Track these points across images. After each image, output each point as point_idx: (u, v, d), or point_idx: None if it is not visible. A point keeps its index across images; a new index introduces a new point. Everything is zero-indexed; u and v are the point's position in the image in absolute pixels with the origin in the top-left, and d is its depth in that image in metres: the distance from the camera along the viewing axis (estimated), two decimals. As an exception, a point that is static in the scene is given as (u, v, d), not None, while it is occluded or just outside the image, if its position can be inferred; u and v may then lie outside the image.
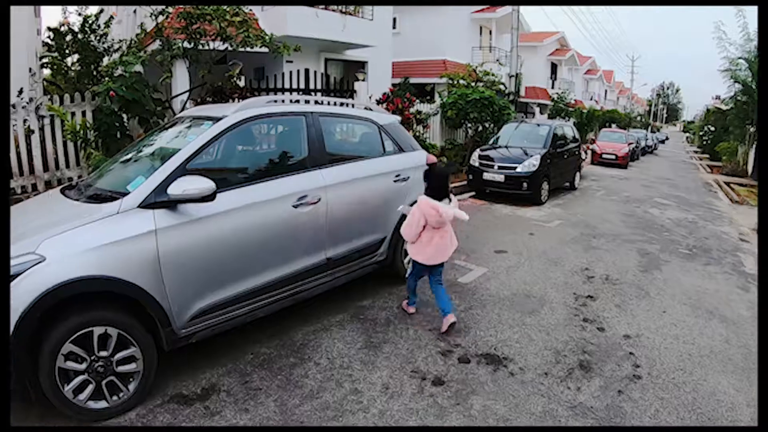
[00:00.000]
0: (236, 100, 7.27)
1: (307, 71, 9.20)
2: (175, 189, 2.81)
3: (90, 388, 2.62)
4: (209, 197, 2.88)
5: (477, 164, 9.69)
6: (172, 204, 2.86)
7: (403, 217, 3.91)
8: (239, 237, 3.15)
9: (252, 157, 3.91)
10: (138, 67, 6.54)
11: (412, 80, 15.11)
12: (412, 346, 3.55)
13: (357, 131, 4.88)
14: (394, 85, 13.53)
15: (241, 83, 7.75)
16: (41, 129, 6.32)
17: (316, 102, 4.36)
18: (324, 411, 2.80)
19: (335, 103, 4.42)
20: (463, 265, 5.32)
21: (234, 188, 3.24)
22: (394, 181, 4.38)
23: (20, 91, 6.81)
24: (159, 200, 2.83)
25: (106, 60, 9.13)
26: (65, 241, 2.57)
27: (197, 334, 3.02)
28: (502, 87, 14.76)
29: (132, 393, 2.76)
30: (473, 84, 13.34)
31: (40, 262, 2.44)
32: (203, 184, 2.85)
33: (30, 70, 8.67)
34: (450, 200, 3.77)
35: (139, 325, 2.73)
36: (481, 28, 21.43)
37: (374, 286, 4.57)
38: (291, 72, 9.05)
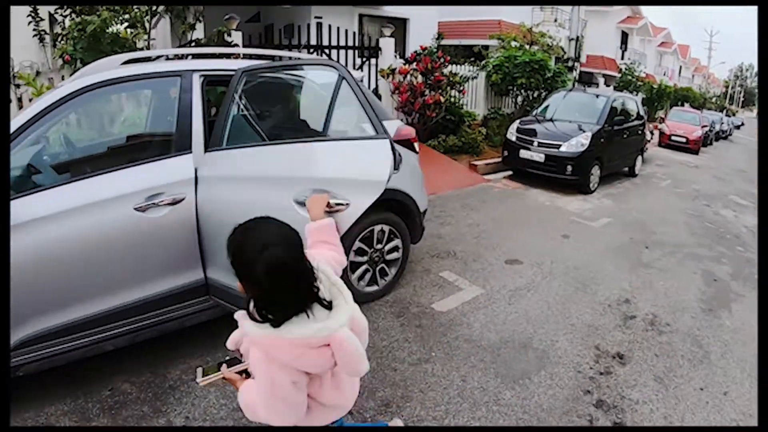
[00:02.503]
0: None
1: (329, 27, 7.82)
2: None
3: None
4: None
5: (514, 138, 7.83)
6: None
7: None
8: (61, 251, 2.17)
9: (93, 141, 2.94)
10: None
11: (463, 42, 13.17)
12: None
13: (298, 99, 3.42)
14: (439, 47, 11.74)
15: (233, 40, 6.38)
16: (19, 99, 5.46)
17: (218, 56, 2.97)
18: None
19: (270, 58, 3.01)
20: (451, 281, 3.83)
21: (57, 186, 2.24)
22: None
23: None
24: None
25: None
26: None
27: (24, 366, 2.23)
28: (560, 51, 12.48)
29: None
30: (527, 46, 11.24)
31: None
32: None
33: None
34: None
35: None
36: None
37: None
38: (319, 25, 7.68)
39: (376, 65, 8.56)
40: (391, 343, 2.96)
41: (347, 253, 3.14)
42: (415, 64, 8.17)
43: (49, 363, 2.32)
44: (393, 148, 2.19)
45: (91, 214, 2.21)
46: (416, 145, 3.61)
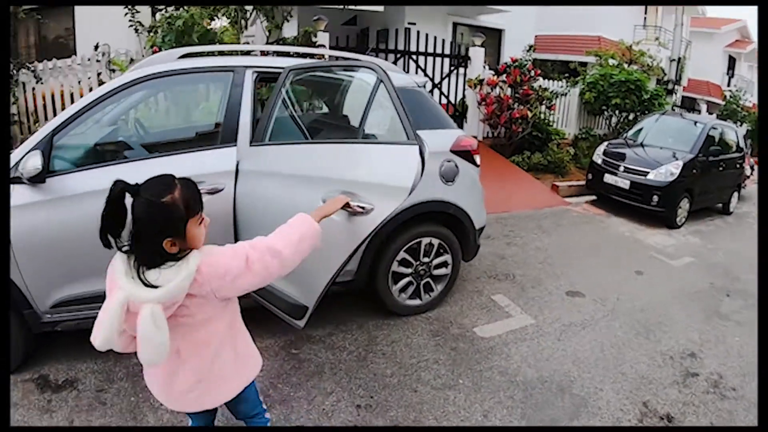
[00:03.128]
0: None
1: (418, 34, 7.81)
2: (22, 165, 2.28)
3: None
4: (35, 178, 2.28)
5: (600, 161, 7.30)
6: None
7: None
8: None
9: (147, 128, 3.12)
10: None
11: (559, 57, 12.57)
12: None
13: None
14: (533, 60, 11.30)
15: (319, 41, 6.52)
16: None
17: (276, 54, 3.04)
18: None
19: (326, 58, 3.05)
20: (502, 306, 3.61)
21: (101, 167, 2.46)
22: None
23: (96, 46, 6.45)
24: (15, 176, 2.31)
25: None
26: None
27: (60, 323, 2.56)
28: (660, 72, 11.47)
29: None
30: (625, 65, 10.46)
31: None
32: (30, 164, 2.25)
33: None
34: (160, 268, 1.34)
35: None
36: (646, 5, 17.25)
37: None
38: (407, 30, 7.75)
39: (464, 75, 8.39)
40: (420, 362, 2.85)
41: (390, 263, 3.07)
42: (504, 76, 7.89)
43: (81, 324, 2.58)
44: (422, 156, 2.06)
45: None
46: (477, 157, 3.45)
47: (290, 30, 6.41)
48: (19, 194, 2.33)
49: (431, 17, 10.14)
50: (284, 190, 2.33)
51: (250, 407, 1.74)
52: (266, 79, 2.90)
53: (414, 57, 8.00)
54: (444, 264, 3.39)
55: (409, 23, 9.02)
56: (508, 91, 7.88)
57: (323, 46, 6.78)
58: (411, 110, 2.93)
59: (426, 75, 8.07)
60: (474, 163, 3.39)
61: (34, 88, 5.84)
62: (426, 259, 3.30)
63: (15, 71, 5.46)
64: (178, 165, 2.41)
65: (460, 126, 8.43)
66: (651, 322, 3.69)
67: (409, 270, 3.27)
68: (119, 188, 1.30)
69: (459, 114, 8.36)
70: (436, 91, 8.27)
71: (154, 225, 1.30)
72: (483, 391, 2.63)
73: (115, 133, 2.94)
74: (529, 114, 7.74)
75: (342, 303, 3.37)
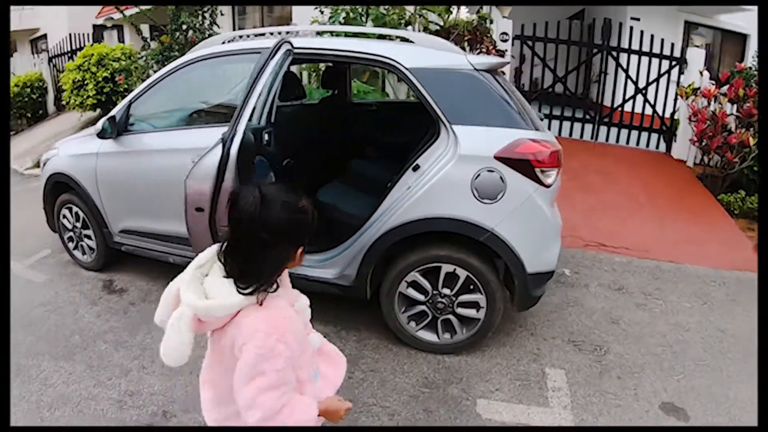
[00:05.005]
0: (483, 50, 5.44)
1: (631, 30, 6.27)
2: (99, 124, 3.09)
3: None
4: (103, 135, 3.05)
5: None
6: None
7: None
8: (148, 177, 2.98)
9: (185, 104, 3.44)
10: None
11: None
12: None
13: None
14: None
15: (501, 28, 5.71)
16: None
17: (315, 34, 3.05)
18: None
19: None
20: (546, 386, 2.53)
21: (154, 132, 3.12)
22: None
23: None
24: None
25: None
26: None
27: (124, 245, 3.34)
28: None
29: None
30: None
31: None
32: (100, 124, 3.06)
33: None
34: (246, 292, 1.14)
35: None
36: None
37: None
38: (621, 25, 6.35)
39: (677, 81, 6.32)
40: (374, 407, 2.24)
41: (397, 281, 2.56)
42: (726, 87, 5.59)
43: (138, 251, 3.28)
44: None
45: (172, 157, 2.77)
46: (540, 171, 2.36)
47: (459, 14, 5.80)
48: (104, 143, 3.09)
49: (659, 13, 8.06)
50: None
51: None
52: (300, 60, 2.99)
53: (613, 53, 6.35)
54: (474, 305, 2.53)
55: (632, 18, 7.30)
56: (727, 108, 5.51)
57: (506, 34, 5.96)
58: (452, 97, 2.28)
59: (628, 76, 6.33)
60: (537, 180, 2.36)
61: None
62: (447, 291, 2.52)
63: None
64: (195, 137, 2.75)
65: (668, 147, 6.43)
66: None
67: (422, 297, 2.56)
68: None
69: (666, 130, 6.39)
70: (639, 98, 6.44)
71: (291, 231, 1.14)
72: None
73: (168, 105, 3.35)
74: (752, 141, 5.24)
75: (364, 305, 2.87)
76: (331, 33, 3.75)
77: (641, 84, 6.43)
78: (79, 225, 3.60)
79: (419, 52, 2.50)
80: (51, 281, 3.73)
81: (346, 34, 3.59)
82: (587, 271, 3.88)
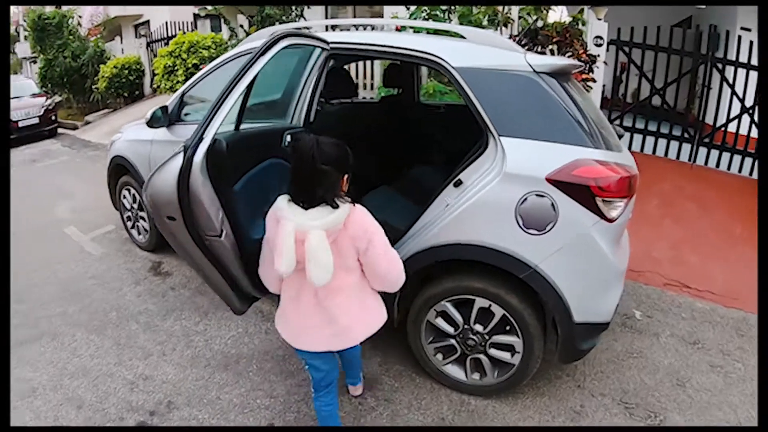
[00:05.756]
0: (572, 54, 4.92)
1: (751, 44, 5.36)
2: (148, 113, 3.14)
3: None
4: (152, 124, 3.11)
5: None
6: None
7: None
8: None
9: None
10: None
11: None
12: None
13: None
14: None
15: (595, 31, 5.14)
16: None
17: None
18: None
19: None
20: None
21: (187, 124, 3.14)
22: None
23: None
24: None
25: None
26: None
27: None
28: None
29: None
30: None
31: None
32: (149, 115, 3.11)
33: None
34: (337, 206, 1.53)
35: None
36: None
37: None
38: (727, 33, 5.50)
39: None
40: None
41: (425, 309, 2.34)
42: None
43: None
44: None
45: None
46: (602, 201, 1.91)
47: (556, 14, 5.28)
48: (158, 132, 3.18)
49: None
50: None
51: (356, 363, 2.20)
52: (341, 56, 2.68)
53: (719, 65, 5.45)
54: (509, 348, 2.20)
55: (742, 28, 6.26)
56: None
57: (600, 38, 5.37)
58: (503, 104, 1.96)
59: (734, 93, 5.41)
60: (598, 211, 1.92)
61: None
62: (480, 328, 2.21)
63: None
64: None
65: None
66: None
67: (452, 330, 2.27)
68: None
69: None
70: (746, 118, 5.48)
71: (339, 163, 1.52)
72: None
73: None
74: None
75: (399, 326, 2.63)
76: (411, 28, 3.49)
77: (749, 102, 5.48)
78: (135, 206, 3.71)
79: (469, 50, 2.16)
80: (107, 255, 3.89)
81: (404, 29, 3.34)
82: (661, 316, 3.32)
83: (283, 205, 1.53)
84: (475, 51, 2.14)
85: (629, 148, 5.96)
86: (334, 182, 1.52)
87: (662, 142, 5.98)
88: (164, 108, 3.03)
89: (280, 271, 1.50)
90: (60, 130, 10.42)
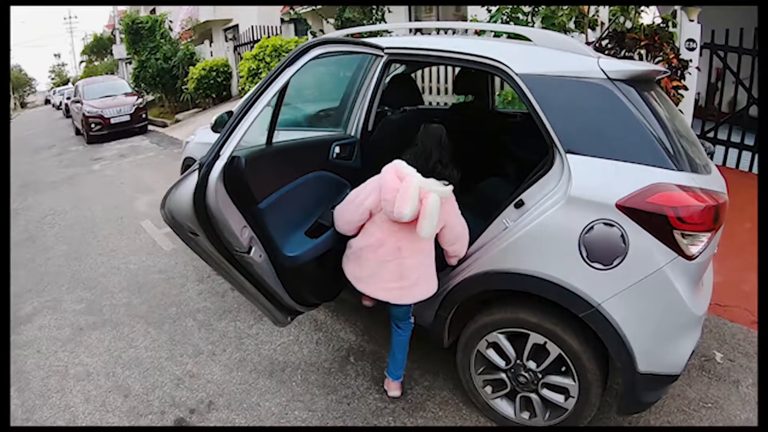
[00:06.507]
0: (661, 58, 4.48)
1: None
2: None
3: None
4: (213, 128, 3.33)
5: None
6: None
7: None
8: None
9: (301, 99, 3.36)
10: None
11: None
12: None
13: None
14: None
15: (687, 34, 4.63)
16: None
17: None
18: None
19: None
20: None
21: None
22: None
23: None
24: None
25: None
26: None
27: None
28: None
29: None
30: None
31: None
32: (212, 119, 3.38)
33: None
34: (448, 183, 1.85)
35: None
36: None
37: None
38: None
39: None
40: None
41: (476, 338, 2.19)
42: None
43: None
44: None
45: None
46: (681, 234, 1.61)
47: (649, 17, 4.81)
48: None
49: None
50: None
51: (402, 347, 2.27)
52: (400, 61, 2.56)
53: None
54: (563, 390, 1.98)
55: None
56: None
57: (692, 41, 4.84)
58: (572, 116, 1.76)
59: None
60: (675, 246, 1.62)
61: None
62: (533, 366, 2.01)
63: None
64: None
65: None
66: None
67: (503, 363, 2.08)
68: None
69: None
70: None
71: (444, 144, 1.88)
72: None
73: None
74: None
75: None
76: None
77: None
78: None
79: (535, 54, 1.95)
80: (175, 251, 4.09)
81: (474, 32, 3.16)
82: (745, 360, 2.84)
83: (406, 166, 1.80)
84: (542, 56, 1.93)
85: (723, 163, 5.32)
86: (448, 163, 1.85)
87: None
88: (230, 113, 3.10)
89: (404, 212, 1.72)
90: (150, 128, 11.28)
